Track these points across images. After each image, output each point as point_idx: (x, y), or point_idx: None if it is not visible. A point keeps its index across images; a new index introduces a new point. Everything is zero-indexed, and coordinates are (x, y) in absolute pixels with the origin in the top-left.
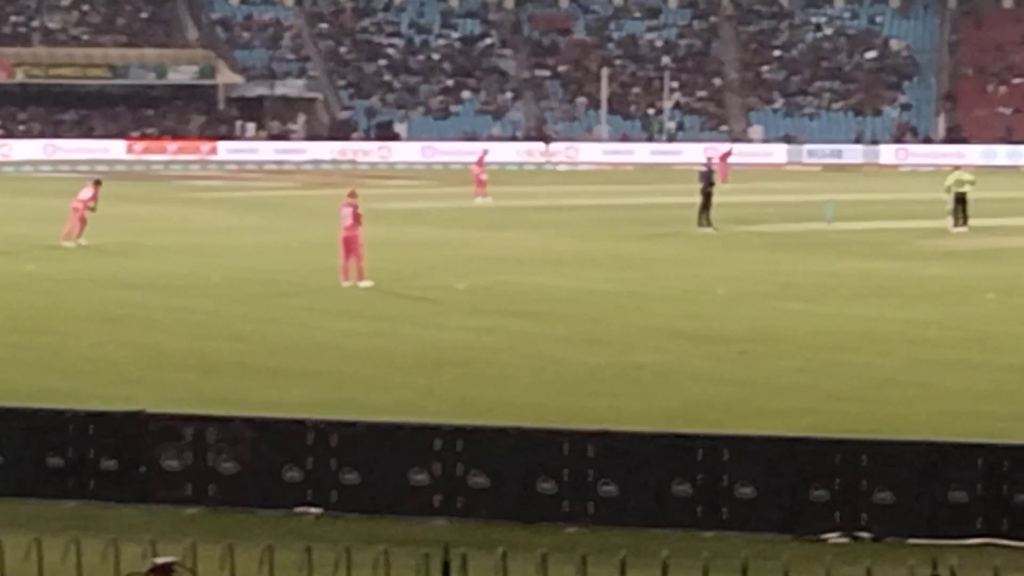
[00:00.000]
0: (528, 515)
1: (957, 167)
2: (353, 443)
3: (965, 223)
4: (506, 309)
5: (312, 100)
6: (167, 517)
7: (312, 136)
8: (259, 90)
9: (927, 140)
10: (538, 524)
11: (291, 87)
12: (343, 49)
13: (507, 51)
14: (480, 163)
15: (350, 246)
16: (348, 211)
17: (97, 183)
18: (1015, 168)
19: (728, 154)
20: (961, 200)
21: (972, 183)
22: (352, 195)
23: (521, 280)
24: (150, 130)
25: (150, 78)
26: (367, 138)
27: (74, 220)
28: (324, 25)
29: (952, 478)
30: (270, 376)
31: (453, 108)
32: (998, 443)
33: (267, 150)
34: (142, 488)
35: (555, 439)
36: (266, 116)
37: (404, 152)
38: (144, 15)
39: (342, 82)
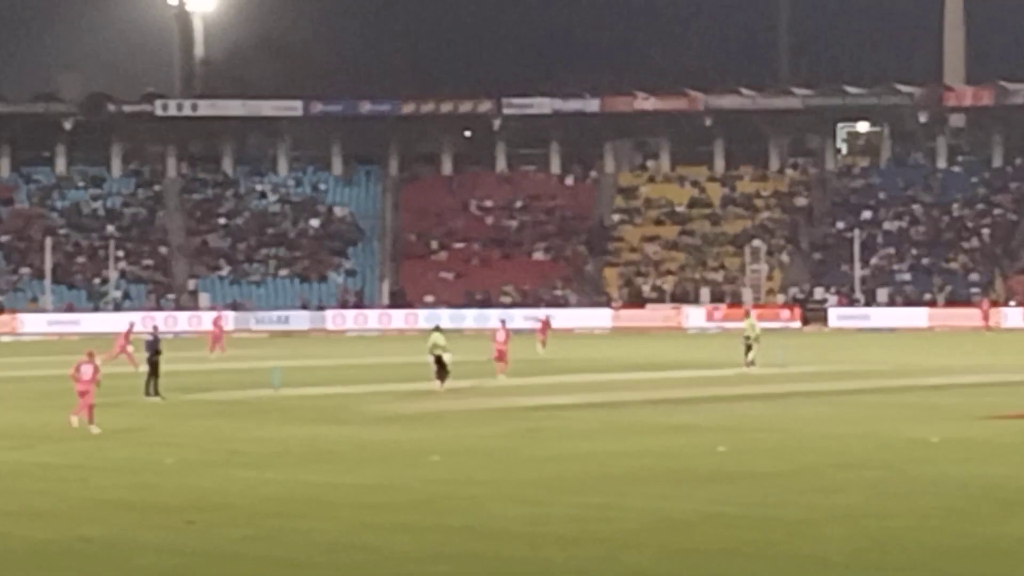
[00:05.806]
0: None
1: (437, 329)
2: None
3: (442, 382)
4: None
5: None
6: None
7: None
8: None
9: (363, 305)
10: None
11: None
12: None
13: None
14: None
15: (86, 397)
16: (89, 368)
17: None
18: (458, 331)
19: (220, 318)
20: (439, 362)
21: (444, 348)
22: (91, 355)
23: None
24: None
25: None
26: None
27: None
28: None
29: None
30: None
31: None
32: None
33: None
34: None
35: None
36: None
37: None
38: None
39: None
